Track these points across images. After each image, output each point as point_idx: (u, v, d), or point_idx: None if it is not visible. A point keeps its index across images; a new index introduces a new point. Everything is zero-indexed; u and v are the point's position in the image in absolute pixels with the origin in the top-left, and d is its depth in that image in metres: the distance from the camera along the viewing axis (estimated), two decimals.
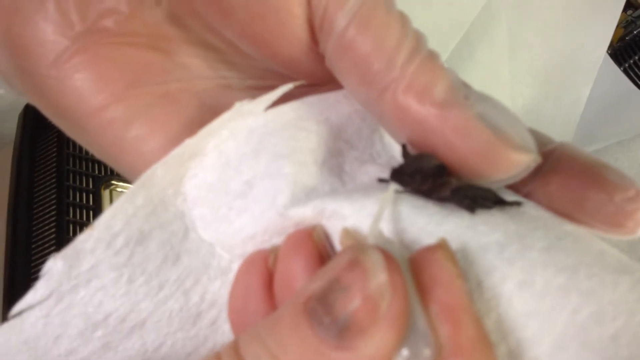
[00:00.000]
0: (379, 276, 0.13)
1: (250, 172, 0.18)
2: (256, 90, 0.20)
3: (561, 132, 0.68)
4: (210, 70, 0.20)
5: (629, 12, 0.75)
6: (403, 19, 0.17)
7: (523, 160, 0.16)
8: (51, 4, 0.18)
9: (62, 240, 0.42)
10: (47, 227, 0.43)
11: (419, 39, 0.17)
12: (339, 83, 0.18)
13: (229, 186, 0.19)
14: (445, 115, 0.16)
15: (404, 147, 0.17)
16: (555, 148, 0.18)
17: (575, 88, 0.66)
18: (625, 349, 0.13)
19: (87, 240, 0.17)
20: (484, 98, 0.17)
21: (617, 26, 0.70)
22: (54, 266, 0.17)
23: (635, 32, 0.74)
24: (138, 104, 0.19)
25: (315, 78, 0.19)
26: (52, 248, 0.42)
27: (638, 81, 0.72)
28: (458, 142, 0.16)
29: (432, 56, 0.17)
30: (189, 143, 0.18)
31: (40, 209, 0.44)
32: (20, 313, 0.17)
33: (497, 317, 0.14)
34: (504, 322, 0.14)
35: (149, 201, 0.18)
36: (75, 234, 0.43)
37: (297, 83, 0.19)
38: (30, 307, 0.17)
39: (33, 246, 0.42)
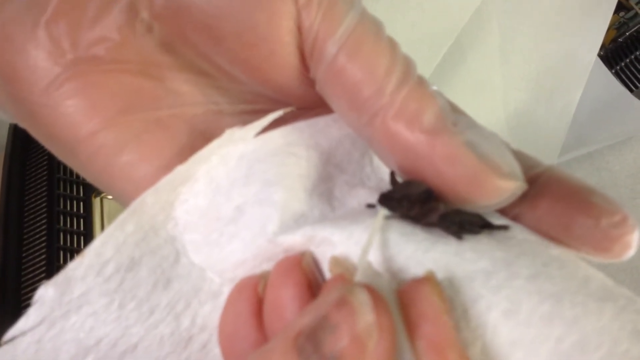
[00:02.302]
0: (366, 316, 0.13)
1: (241, 198, 0.19)
2: (247, 114, 0.20)
3: (553, 135, 0.68)
4: (201, 96, 0.20)
5: (622, 13, 0.75)
6: (393, 46, 0.17)
7: (509, 188, 0.16)
8: (42, 32, 0.18)
9: (52, 248, 0.42)
10: (37, 235, 0.43)
11: (408, 66, 0.17)
12: (329, 107, 0.18)
13: (220, 212, 0.19)
14: (433, 142, 0.16)
15: (392, 174, 0.18)
16: (542, 171, 0.18)
17: (567, 91, 0.67)
18: None
19: (78, 268, 0.17)
20: (472, 125, 0.17)
21: (610, 28, 0.70)
22: (46, 293, 0.17)
23: (627, 34, 0.74)
24: (129, 130, 0.19)
25: (305, 102, 0.19)
26: (43, 256, 0.42)
27: (629, 84, 0.73)
28: (446, 168, 0.16)
29: (422, 82, 0.17)
30: (180, 170, 0.18)
31: (31, 217, 0.44)
32: (12, 339, 0.17)
33: (482, 346, 0.14)
34: (489, 351, 0.14)
35: (140, 228, 0.18)
36: (65, 242, 0.43)
37: (287, 110, 0.19)
38: (22, 333, 0.17)
39: (24, 254, 0.42)
